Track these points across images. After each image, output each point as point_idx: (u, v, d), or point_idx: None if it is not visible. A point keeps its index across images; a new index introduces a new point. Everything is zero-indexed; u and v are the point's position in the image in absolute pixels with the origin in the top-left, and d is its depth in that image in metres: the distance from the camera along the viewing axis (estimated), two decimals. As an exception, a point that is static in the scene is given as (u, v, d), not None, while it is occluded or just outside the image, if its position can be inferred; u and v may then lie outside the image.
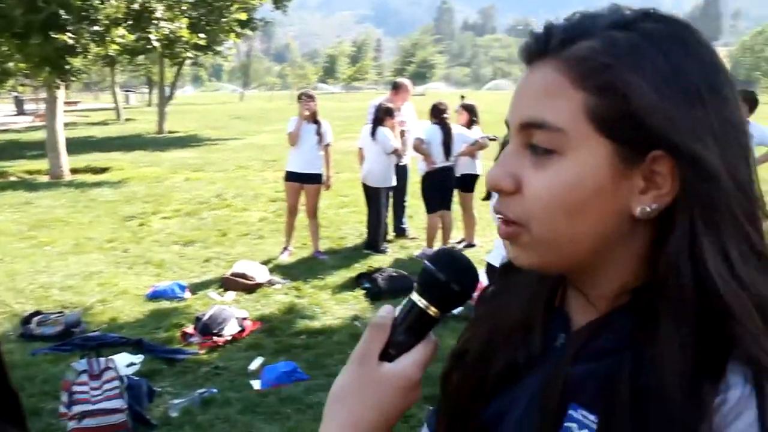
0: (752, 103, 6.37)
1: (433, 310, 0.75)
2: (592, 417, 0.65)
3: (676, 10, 0.68)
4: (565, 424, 0.67)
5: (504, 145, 3.90)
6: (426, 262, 0.76)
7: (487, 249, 7.47)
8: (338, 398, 0.75)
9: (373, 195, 7.63)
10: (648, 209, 0.63)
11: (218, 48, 26.53)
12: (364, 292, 6.20)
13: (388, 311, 0.77)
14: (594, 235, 0.65)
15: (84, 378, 3.80)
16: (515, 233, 0.68)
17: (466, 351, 0.84)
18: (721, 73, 0.64)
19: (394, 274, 6.41)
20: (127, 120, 32.50)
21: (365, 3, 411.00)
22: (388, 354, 0.75)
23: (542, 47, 0.67)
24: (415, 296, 0.76)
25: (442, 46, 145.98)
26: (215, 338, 4.99)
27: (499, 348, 0.79)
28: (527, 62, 0.68)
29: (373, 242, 7.70)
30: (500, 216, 0.69)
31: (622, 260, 0.67)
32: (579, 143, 0.63)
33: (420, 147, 7.32)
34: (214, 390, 4.23)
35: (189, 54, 24.37)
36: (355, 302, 6.02)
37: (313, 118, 7.22)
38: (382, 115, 7.45)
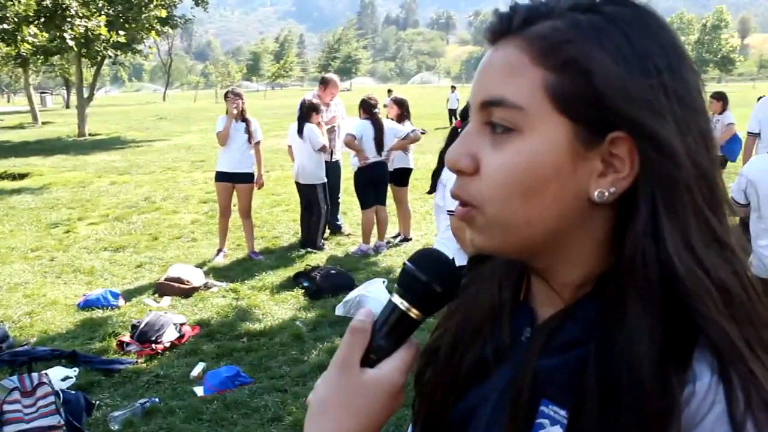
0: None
1: (414, 313, 0.72)
2: (562, 412, 0.64)
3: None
4: (537, 421, 0.66)
5: (453, 133, 3.93)
6: (406, 262, 0.74)
7: (424, 243, 7.55)
8: (322, 408, 0.72)
9: (308, 192, 7.55)
10: (606, 193, 0.63)
11: (138, 47, 25.86)
12: (303, 291, 6.14)
13: (367, 314, 0.74)
14: (550, 217, 0.64)
15: (15, 395, 3.65)
16: (470, 215, 0.67)
17: (438, 347, 0.82)
18: (682, 59, 0.65)
19: (333, 271, 6.37)
20: (45, 123, 31.38)
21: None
22: (369, 359, 0.72)
23: (505, 26, 0.66)
24: (396, 298, 0.73)
25: (366, 41, 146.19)
26: (153, 345, 4.85)
27: (469, 343, 0.78)
28: (491, 42, 0.68)
29: (313, 239, 7.63)
30: (457, 199, 0.68)
31: (582, 245, 0.67)
32: (538, 122, 0.63)
33: (352, 143, 7.26)
34: (156, 399, 4.11)
35: (108, 53, 23.66)
36: (295, 302, 5.96)
37: (242, 117, 7.11)
38: (307, 111, 7.37)
